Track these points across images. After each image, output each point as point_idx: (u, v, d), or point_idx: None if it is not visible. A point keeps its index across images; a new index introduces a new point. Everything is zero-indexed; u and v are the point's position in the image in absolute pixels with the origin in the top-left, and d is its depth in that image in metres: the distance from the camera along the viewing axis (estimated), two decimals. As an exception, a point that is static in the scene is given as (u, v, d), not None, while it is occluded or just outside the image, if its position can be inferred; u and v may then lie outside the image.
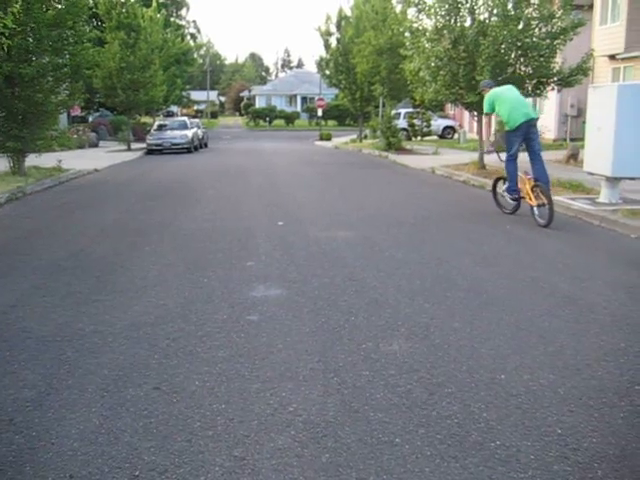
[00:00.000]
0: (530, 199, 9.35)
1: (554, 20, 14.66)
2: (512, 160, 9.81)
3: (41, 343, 4.59)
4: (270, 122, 61.96)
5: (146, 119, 40.59)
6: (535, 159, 9.61)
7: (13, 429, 3.34)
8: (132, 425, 3.37)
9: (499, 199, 10.45)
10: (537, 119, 9.81)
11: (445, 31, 15.60)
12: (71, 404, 3.62)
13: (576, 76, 15.13)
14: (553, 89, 16.08)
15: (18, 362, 4.25)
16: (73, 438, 3.25)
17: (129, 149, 29.65)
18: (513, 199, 9.92)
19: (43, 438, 3.25)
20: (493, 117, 10.90)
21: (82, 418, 3.45)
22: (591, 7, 23.53)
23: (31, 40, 15.47)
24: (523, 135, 9.55)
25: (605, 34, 22.67)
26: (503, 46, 14.51)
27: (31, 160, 16.99)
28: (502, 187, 10.24)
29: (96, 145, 32.09)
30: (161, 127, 29.84)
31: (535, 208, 9.26)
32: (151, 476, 2.91)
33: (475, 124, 19.28)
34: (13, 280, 6.39)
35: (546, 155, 19.91)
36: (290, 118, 63.80)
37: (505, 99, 9.77)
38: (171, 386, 3.84)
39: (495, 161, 17.77)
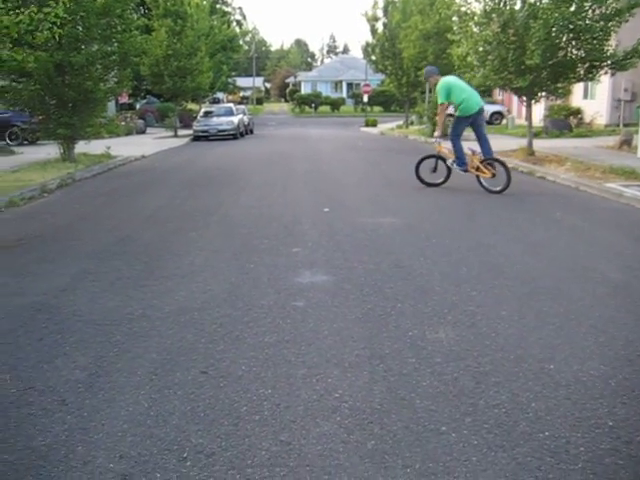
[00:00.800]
0: (483, 172, 10.86)
1: (609, 1, 14.17)
2: (458, 137, 11.24)
3: (91, 327, 4.68)
4: (316, 108, 61.92)
5: (192, 106, 40.95)
6: (483, 140, 11.13)
7: (65, 409, 3.42)
8: (180, 408, 3.42)
9: (422, 175, 11.60)
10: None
11: (494, 14, 15.29)
12: (120, 386, 3.68)
13: (631, 59, 14.63)
14: (606, 73, 15.63)
15: (69, 344, 4.34)
16: (123, 419, 3.31)
17: (176, 136, 30.01)
18: (463, 170, 11.23)
19: (94, 419, 3.32)
20: (448, 106, 11.40)
21: (131, 400, 3.51)
22: (646, -12, 22.77)
23: (81, 29, 15.74)
24: (472, 121, 11.11)
25: (661, 16, 21.93)
26: (554, 29, 14.13)
27: (80, 147, 17.33)
28: (448, 162, 11.46)
29: (143, 132, 32.57)
30: (207, 114, 30.09)
31: (485, 180, 10.90)
32: (198, 459, 2.94)
33: (524, 109, 18.91)
34: (64, 265, 6.53)
35: (597, 141, 19.60)
36: (335, 104, 63.71)
37: (462, 88, 11.08)
38: (218, 371, 3.88)
39: (544, 147, 17.48)
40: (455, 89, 10.94)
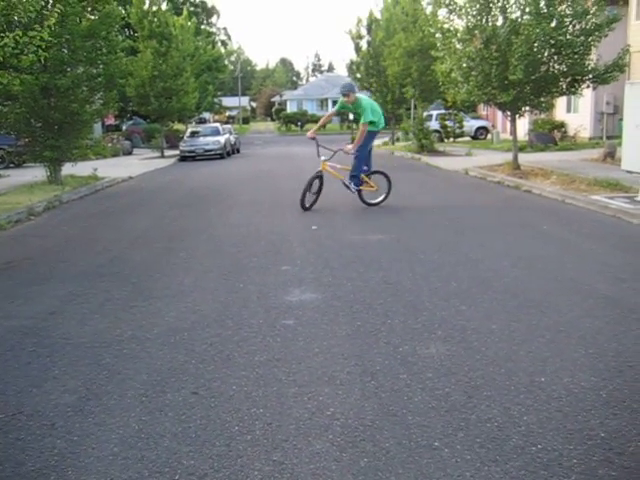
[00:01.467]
0: (370, 186, 11.33)
1: (588, 16, 14.40)
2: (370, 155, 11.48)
3: (80, 349, 4.65)
4: (302, 126, 62.10)
5: (179, 126, 40.99)
6: (371, 155, 11.61)
7: (55, 434, 3.39)
8: (171, 430, 3.39)
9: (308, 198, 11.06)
10: None
11: (477, 31, 15.48)
12: (111, 409, 3.66)
13: (612, 73, 14.83)
14: (588, 87, 15.81)
15: (58, 368, 4.31)
16: (113, 442, 3.28)
17: (162, 156, 29.98)
18: (357, 190, 11.32)
19: (84, 442, 3.29)
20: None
21: (122, 423, 3.48)
22: (626, 2, 23.07)
23: (66, 51, 15.77)
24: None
25: (641, 29, 22.25)
26: (536, 44, 14.33)
27: (67, 169, 17.29)
28: (345, 181, 11.43)
29: (130, 153, 32.53)
30: (194, 134, 30.11)
31: (367, 194, 11.34)
32: (191, 480, 2.92)
33: (509, 124, 19.07)
34: (52, 287, 6.49)
35: (582, 154, 19.76)
36: (321, 122, 63.89)
37: (376, 106, 11.51)
38: (209, 391, 3.86)
39: (529, 161, 17.61)
40: (373, 106, 11.26)
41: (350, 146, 11.25)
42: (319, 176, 11.06)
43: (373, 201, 11.23)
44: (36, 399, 3.83)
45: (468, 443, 3.17)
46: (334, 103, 72.18)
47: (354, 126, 46.52)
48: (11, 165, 22.72)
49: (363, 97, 11.44)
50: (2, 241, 9.46)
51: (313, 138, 11.12)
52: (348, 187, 11.37)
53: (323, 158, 11.02)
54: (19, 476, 3.00)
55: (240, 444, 3.23)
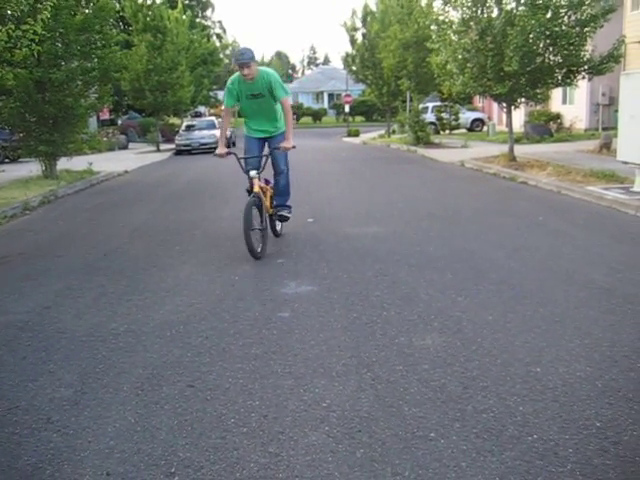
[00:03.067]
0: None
1: (583, 7, 14.37)
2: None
3: (76, 343, 4.64)
4: (297, 119, 62.03)
5: (174, 120, 40.92)
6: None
7: (51, 428, 3.38)
8: (167, 423, 3.39)
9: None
10: None
11: (472, 22, 15.47)
12: (107, 403, 3.65)
13: (607, 64, 14.82)
14: (584, 78, 15.81)
15: (54, 362, 4.30)
16: (109, 436, 3.27)
17: (158, 150, 29.95)
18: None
19: (80, 436, 3.28)
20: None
21: (118, 416, 3.48)
22: (621, -7, 23.10)
23: (60, 45, 15.70)
24: None
25: (637, 20, 22.23)
26: (531, 36, 14.28)
27: (62, 163, 17.24)
28: (284, 211, 7.96)
29: (126, 147, 32.48)
30: (189, 128, 30.05)
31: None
32: (187, 473, 2.92)
33: (504, 116, 19.06)
34: (47, 281, 6.48)
35: (578, 145, 19.77)
36: (317, 115, 63.86)
37: None
38: (205, 384, 3.86)
39: (525, 152, 17.61)
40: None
41: (287, 141, 7.23)
42: (258, 201, 7.01)
43: (279, 228, 8.17)
44: (32, 393, 3.82)
45: (464, 434, 3.17)
46: (330, 96, 72.66)
47: (350, 119, 46.54)
48: (6, 160, 22.66)
49: (267, 68, 7.47)
50: (-3, 236, 9.43)
51: (228, 154, 7.32)
52: (282, 217, 7.97)
53: (254, 173, 7.10)
54: (15, 470, 3.00)
55: (236, 436, 3.22)
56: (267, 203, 7.41)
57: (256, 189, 7.02)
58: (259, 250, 6.92)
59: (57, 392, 3.82)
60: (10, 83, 14.33)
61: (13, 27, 10.39)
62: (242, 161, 7.38)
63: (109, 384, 3.90)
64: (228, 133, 27.30)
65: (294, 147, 7.28)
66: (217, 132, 28.43)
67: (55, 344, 4.64)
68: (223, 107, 7.87)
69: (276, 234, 8.04)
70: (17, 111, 15.75)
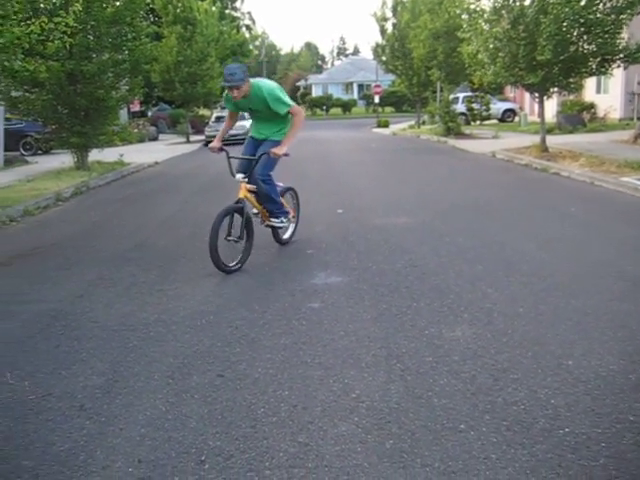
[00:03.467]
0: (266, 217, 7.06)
1: (619, -6, 14.10)
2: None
3: (108, 332, 4.70)
4: (327, 110, 61.95)
5: (204, 111, 41.09)
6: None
7: (84, 415, 3.43)
8: (197, 411, 3.42)
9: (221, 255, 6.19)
10: None
11: (504, 11, 15.25)
12: (138, 391, 3.69)
13: (644, 52, 14.52)
14: (619, 66, 15.50)
15: (86, 350, 4.36)
16: (141, 424, 3.31)
17: (188, 141, 30.13)
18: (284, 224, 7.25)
19: (112, 423, 3.32)
20: None
21: (149, 404, 3.52)
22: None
23: (91, 38, 15.83)
24: None
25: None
26: (565, 24, 14.04)
27: (94, 155, 17.42)
28: (277, 221, 7.05)
29: (156, 138, 32.72)
30: (219, 119, 30.11)
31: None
32: (217, 461, 2.94)
33: (536, 106, 18.80)
34: (80, 271, 6.56)
35: (612, 135, 19.43)
36: (347, 106, 63.72)
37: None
38: (235, 373, 3.88)
39: (558, 143, 17.36)
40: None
41: (280, 147, 6.42)
42: (239, 208, 6.42)
43: (285, 236, 7.43)
44: (65, 381, 3.88)
45: (494, 426, 3.14)
46: (359, 87, 72.30)
47: (380, 110, 46.29)
48: (39, 152, 22.95)
49: (261, 80, 6.69)
50: (31, 226, 9.57)
51: (221, 150, 6.83)
52: (275, 227, 7.12)
53: (240, 177, 6.53)
54: (49, 456, 3.05)
55: (266, 426, 3.24)
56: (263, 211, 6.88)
57: (241, 194, 6.44)
58: (233, 263, 6.24)
59: (90, 380, 3.87)
60: (43, 75, 14.55)
61: (46, 20, 10.51)
62: (231, 161, 6.75)
63: (140, 373, 3.95)
64: (233, 131, 27.20)
65: (286, 155, 6.46)
66: (246, 123, 28.58)
67: (87, 333, 4.70)
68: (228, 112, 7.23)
69: (279, 241, 7.29)
70: (49, 103, 15.93)
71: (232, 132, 28.36)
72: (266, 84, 6.53)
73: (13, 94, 15.80)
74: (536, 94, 16.45)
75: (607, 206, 9.11)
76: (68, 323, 4.94)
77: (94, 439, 3.18)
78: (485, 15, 15.92)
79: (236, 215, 6.38)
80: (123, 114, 29.01)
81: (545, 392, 3.47)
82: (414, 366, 3.86)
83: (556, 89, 16.13)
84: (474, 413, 3.27)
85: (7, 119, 19.51)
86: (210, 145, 6.92)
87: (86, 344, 4.48)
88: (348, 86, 74.58)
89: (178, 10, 29.06)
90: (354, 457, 2.93)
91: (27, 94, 15.87)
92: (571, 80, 15.61)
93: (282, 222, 7.07)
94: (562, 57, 14.46)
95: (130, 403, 3.55)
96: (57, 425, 3.34)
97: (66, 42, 12.06)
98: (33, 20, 10.47)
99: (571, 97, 24.67)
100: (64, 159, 17.66)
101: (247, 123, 28.55)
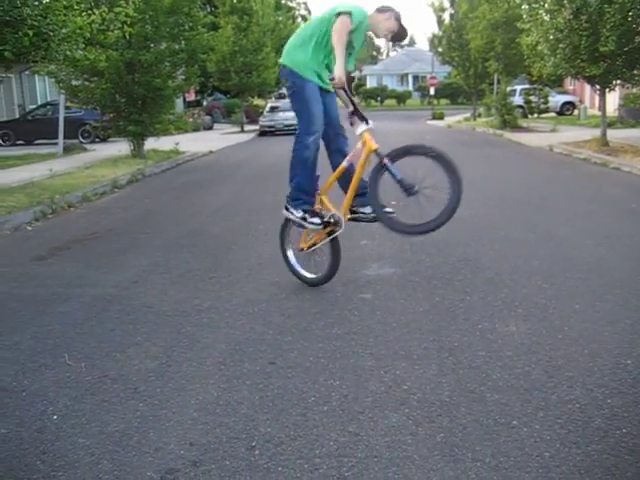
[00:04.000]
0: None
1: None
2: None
3: (161, 318, 4.77)
4: (381, 102, 61.63)
5: (259, 101, 41.32)
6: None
7: (138, 397, 3.49)
8: (249, 398, 3.44)
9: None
10: None
11: (565, 1, 14.86)
12: (190, 376, 3.74)
13: None
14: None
15: (140, 335, 4.43)
16: (193, 408, 3.35)
17: (242, 131, 30.35)
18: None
19: (165, 407, 3.38)
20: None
21: (201, 389, 3.56)
22: None
23: (150, 27, 16.08)
24: None
25: None
26: (631, 13, 13.61)
27: (150, 143, 17.70)
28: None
29: (211, 128, 33.07)
30: (273, 109, 30.29)
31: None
32: (267, 447, 2.96)
33: (597, 99, 18.33)
34: (135, 257, 6.68)
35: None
36: (401, 97, 63.29)
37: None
38: (286, 361, 3.89)
39: (619, 137, 16.89)
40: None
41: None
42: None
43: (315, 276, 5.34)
44: (120, 364, 3.95)
45: (548, 423, 3.08)
46: (415, 78, 71.62)
47: (435, 102, 45.76)
48: (97, 140, 23.44)
49: None
50: (88, 212, 9.79)
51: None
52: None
53: (363, 127, 4.86)
54: (105, 435, 3.11)
55: (316, 414, 3.24)
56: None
57: (359, 145, 4.91)
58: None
59: (143, 364, 3.94)
60: (102, 65, 14.84)
61: (107, 10, 10.71)
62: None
63: (193, 358, 4.00)
64: (288, 121, 26.63)
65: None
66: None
67: (142, 317, 4.79)
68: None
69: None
70: (108, 92, 16.26)
71: (287, 122, 28.55)
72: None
73: (73, 83, 16.17)
74: (597, 86, 16.02)
75: (670, 202, 8.83)
76: (123, 308, 5.03)
77: (147, 421, 3.24)
78: (546, 5, 15.55)
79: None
80: (179, 103, 29.40)
81: (602, 391, 3.37)
82: (466, 360, 3.81)
83: (619, 81, 15.67)
84: (527, 409, 3.21)
85: (67, 107, 19.95)
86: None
87: (140, 329, 4.56)
88: (403, 77, 73.98)
89: (235, 0, 29.24)
90: (404, 449, 2.91)
91: (87, 83, 16.23)
92: (635, 72, 15.14)
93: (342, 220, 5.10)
94: (626, 48, 14.03)
95: (182, 387, 3.59)
96: (112, 406, 3.40)
97: (125, 32, 12.27)
98: (94, 10, 10.68)
99: (634, 90, 23.96)
100: (121, 147, 18.01)
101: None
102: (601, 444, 2.90)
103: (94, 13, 10.49)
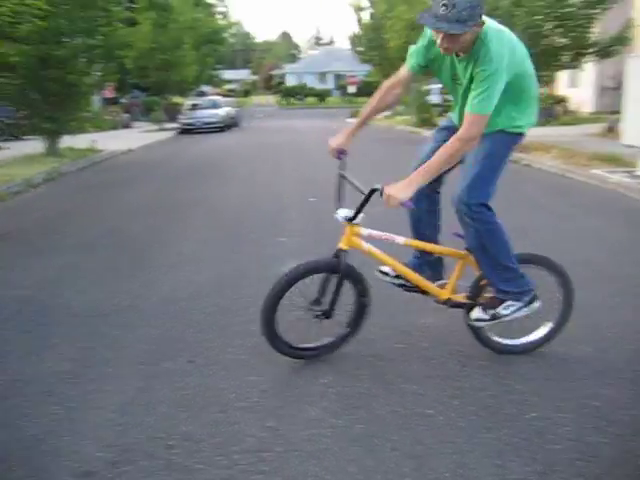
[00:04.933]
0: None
1: (591, -11, 14.27)
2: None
3: (79, 318, 4.67)
4: (302, 100, 61.94)
5: (178, 99, 40.75)
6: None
7: (52, 400, 3.41)
8: (168, 397, 3.42)
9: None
10: None
11: (478, 3, 15.30)
12: (108, 377, 3.68)
13: (615, 46, 14.71)
14: (592, 60, 15.67)
15: (57, 337, 4.33)
16: (110, 409, 3.30)
17: (162, 129, 29.85)
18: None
19: (81, 409, 3.31)
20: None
21: (118, 390, 3.51)
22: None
23: (64, 22, 15.59)
24: None
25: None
26: (538, 17, 14.17)
27: (66, 141, 17.20)
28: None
29: (129, 126, 32.37)
30: (193, 107, 29.95)
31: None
32: (186, 446, 2.95)
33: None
34: (51, 257, 6.50)
35: (583, 129, 19.65)
36: (322, 96, 63.71)
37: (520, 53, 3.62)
38: (206, 359, 3.88)
39: (530, 135, 17.47)
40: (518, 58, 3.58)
41: (401, 184, 3.64)
42: (331, 265, 3.98)
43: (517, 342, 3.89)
44: (34, 366, 3.85)
45: (462, 411, 3.19)
46: (336, 77, 71.97)
47: (356, 100, 46.14)
48: (10, 137, 22.59)
49: (495, 30, 3.45)
50: (1, 212, 9.45)
51: (342, 154, 4.13)
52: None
53: (344, 215, 3.95)
54: (17, 441, 3.03)
55: (236, 411, 3.25)
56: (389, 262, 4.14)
57: (340, 243, 3.94)
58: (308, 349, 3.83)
59: (59, 365, 3.85)
60: (13, 59, 14.30)
61: (17, 2, 10.35)
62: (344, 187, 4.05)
63: (110, 359, 3.93)
64: (207, 119, 26.81)
65: (406, 206, 3.63)
66: (220, 111, 28.35)
67: (58, 319, 4.67)
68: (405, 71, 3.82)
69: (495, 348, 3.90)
70: (20, 88, 15.69)
71: (206, 120, 28.18)
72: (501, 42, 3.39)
73: (-17, 78, 15.54)
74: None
75: (577, 197, 9.23)
76: (39, 309, 4.89)
77: (63, 424, 3.17)
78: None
79: (329, 281, 3.89)
80: (96, 101, 28.68)
81: (512, 378, 3.52)
82: (384, 352, 3.90)
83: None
84: (442, 398, 3.32)
85: (-23, 104, 19.16)
86: (331, 143, 4.12)
87: (56, 330, 4.44)
88: (323, 76, 74.43)
89: (152, -4, 28.79)
90: (324, 441, 2.96)
91: (-2, 78, 15.61)
92: (543, 73, 15.73)
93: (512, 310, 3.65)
94: (535, 50, 14.54)
95: (99, 389, 3.53)
96: (26, 410, 3.32)
97: (38, 26, 11.88)
98: (4, 2, 10.30)
99: (543, 90, 24.89)
100: (36, 145, 17.40)
101: (221, 112, 28.39)
102: (512, 429, 3.03)
103: (3, 5, 10.13)
